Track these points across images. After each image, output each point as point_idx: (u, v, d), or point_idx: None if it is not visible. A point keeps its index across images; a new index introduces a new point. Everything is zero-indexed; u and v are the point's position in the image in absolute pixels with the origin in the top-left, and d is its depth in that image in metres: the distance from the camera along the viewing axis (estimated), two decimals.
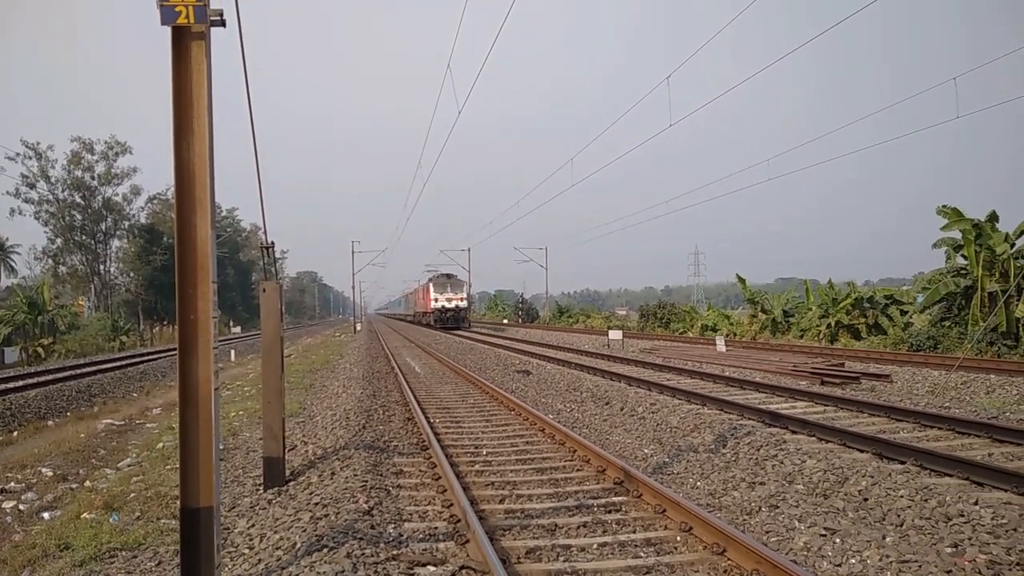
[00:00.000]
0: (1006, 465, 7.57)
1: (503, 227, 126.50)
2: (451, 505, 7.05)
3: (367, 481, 7.80)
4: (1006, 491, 6.66)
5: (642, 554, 5.82)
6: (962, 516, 6.05)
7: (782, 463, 8.19)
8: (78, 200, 65.85)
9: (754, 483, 7.75)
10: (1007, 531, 5.68)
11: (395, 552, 5.74)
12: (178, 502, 4.56)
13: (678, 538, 6.13)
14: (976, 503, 6.28)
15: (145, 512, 7.81)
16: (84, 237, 66.91)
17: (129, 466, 10.54)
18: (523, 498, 7.49)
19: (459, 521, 6.52)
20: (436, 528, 6.43)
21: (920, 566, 5.21)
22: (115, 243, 70.48)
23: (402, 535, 6.19)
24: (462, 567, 5.49)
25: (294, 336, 63.17)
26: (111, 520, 7.46)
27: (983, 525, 5.82)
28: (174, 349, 4.55)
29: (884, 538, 5.81)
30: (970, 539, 5.60)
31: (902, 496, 6.64)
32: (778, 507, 6.90)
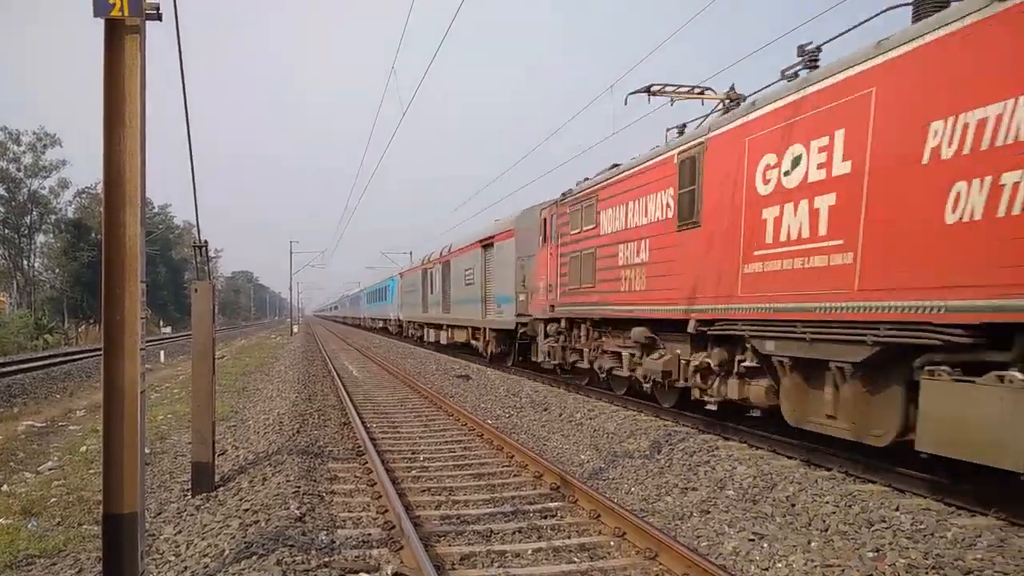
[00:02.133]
0: (925, 473, 7.86)
1: (443, 232, 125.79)
2: (386, 511, 6.98)
3: (300, 487, 7.66)
4: (925, 498, 6.92)
5: (576, 559, 5.86)
6: (884, 522, 6.26)
7: (714, 469, 8.35)
8: (1, 192, 63.33)
9: (687, 488, 7.88)
10: (925, 536, 5.90)
11: (327, 559, 5.65)
12: (101, 507, 4.41)
13: (612, 543, 6.19)
14: (897, 509, 6.51)
15: (66, 518, 7.54)
16: (7, 231, 64.33)
17: (50, 470, 10.14)
18: (459, 504, 7.47)
19: (393, 527, 6.46)
20: (370, 534, 6.35)
21: (843, 570, 5.37)
22: (40, 238, 68.03)
23: (335, 542, 6.10)
24: (395, 574, 5.44)
25: (227, 337, 61.73)
26: (29, 526, 7.17)
27: (903, 530, 6.04)
28: (100, 349, 4.40)
29: (809, 543, 5.97)
30: (891, 544, 5.80)
31: (827, 502, 6.84)
32: (709, 512, 7.03)
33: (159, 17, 4.76)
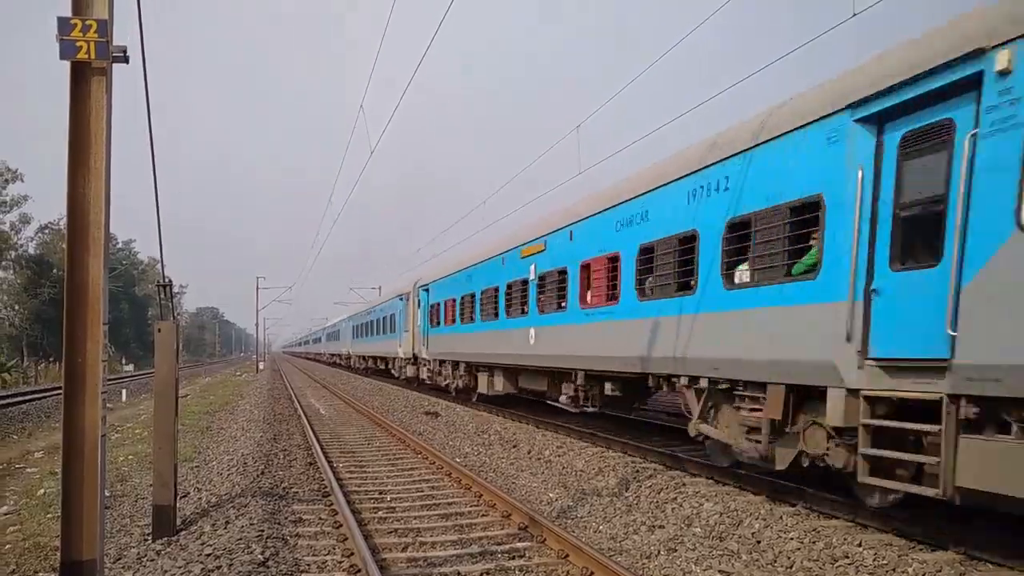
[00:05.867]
0: (886, 509, 7.96)
1: (411, 268, 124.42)
2: (351, 554, 6.90)
3: (264, 530, 7.55)
4: (887, 533, 7.01)
5: None
6: (847, 558, 6.33)
7: (681, 506, 8.38)
8: None
9: (654, 526, 7.89)
10: (887, 572, 5.98)
11: None
12: (59, 554, 4.32)
13: None
14: (860, 545, 6.59)
15: (21, 565, 7.32)
16: None
17: (5, 514, 9.86)
18: (426, 545, 7.40)
19: (359, 571, 6.38)
20: None
21: None
22: (0, 274, 66.57)
23: None
24: None
25: (192, 375, 60.65)
26: None
27: (865, 566, 6.11)
28: (60, 389, 4.34)
29: None
30: None
31: (792, 538, 6.90)
32: (676, 550, 7.04)
33: (126, 60, 4.79)
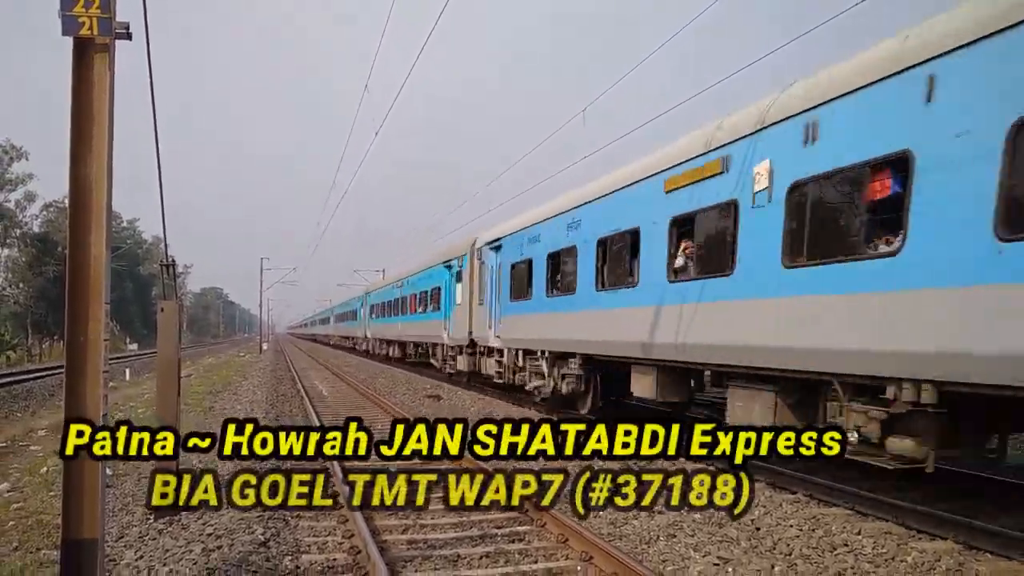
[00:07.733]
0: (886, 497, 7.97)
1: (415, 252, 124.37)
2: (351, 536, 6.92)
3: (264, 511, 7.57)
4: (887, 521, 7.02)
5: None
6: (846, 546, 6.34)
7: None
8: None
9: (654, 511, 7.90)
10: (886, 560, 5.99)
11: None
12: (60, 532, 4.33)
13: (578, 568, 6.18)
14: (859, 533, 6.60)
15: (24, 542, 7.35)
16: None
17: (9, 492, 9.91)
18: (427, 528, 7.42)
19: (359, 552, 6.40)
20: (335, 560, 6.29)
21: None
22: (4, 252, 66.67)
23: (299, 567, 6.04)
24: None
25: (195, 355, 60.82)
26: None
27: (864, 554, 6.12)
28: (64, 368, 4.34)
29: (773, 567, 6.02)
30: (852, 568, 5.88)
31: (792, 526, 6.91)
32: (675, 536, 7.05)
33: (129, 36, 4.73)
